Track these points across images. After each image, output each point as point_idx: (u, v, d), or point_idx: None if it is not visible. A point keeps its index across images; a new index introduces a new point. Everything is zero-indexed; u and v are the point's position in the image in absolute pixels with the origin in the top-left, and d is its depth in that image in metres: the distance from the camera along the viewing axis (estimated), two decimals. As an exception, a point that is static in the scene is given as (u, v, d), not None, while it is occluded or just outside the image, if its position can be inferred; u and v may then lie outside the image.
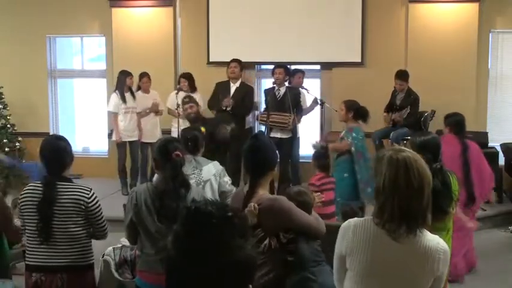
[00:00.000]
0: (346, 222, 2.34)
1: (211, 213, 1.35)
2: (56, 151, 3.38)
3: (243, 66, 7.69)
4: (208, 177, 4.05)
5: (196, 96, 7.48)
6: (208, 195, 4.09)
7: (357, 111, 5.77)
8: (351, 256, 2.26)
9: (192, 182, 3.99)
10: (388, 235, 2.19)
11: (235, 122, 7.13)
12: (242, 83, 7.52)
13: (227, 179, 4.19)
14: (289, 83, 7.61)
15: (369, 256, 2.21)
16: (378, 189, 2.23)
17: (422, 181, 2.17)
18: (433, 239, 2.21)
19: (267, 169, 3.03)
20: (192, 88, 7.65)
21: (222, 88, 7.49)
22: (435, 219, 3.44)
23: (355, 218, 2.36)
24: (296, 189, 3.44)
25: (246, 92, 7.45)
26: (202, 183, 4.00)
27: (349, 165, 5.75)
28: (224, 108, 7.23)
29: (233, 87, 7.44)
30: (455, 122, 5.44)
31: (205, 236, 1.32)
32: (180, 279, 1.34)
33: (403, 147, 2.30)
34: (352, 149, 5.75)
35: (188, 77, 7.68)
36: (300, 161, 7.71)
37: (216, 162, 4.22)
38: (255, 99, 8.10)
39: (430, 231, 2.25)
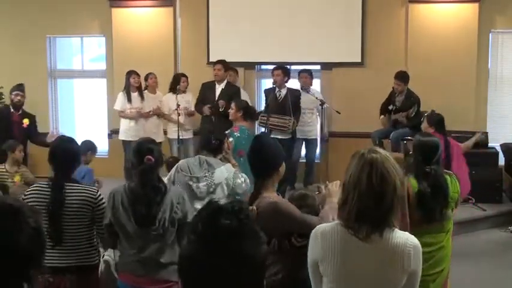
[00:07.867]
0: (315, 229, 2.32)
1: (236, 211, 1.37)
2: (68, 153, 3.41)
3: (228, 67, 7.58)
4: (220, 180, 3.96)
5: (189, 96, 7.63)
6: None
7: (246, 110, 5.87)
8: (323, 263, 2.24)
9: (203, 184, 3.96)
10: (354, 237, 2.18)
11: (224, 123, 7.10)
12: (228, 84, 7.44)
13: (240, 180, 4.08)
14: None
15: (340, 260, 2.20)
16: (343, 186, 2.25)
17: (384, 184, 2.15)
18: (401, 236, 2.19)
19: (271, 169, 3.00)
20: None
21: (207, 89, 7.46)
22: (425, 222, 3.46)
23: (323, 224, 2.34)
24: (298, 192, 3.42)
25: (233, 93, 7.31)
26: (213, 186, 3.94)
27: None
28: (208, 113, 7.20)
29: (218, 89, 7.37)
30: (439, 121, 5.61)
31: (228, 237, 1.33)
32: (198, 273, 1.33)
33: (378, 148, 2.27)
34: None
35: (186, 76, 7.73)
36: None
37: (229, 165, 4.11)
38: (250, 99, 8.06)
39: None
